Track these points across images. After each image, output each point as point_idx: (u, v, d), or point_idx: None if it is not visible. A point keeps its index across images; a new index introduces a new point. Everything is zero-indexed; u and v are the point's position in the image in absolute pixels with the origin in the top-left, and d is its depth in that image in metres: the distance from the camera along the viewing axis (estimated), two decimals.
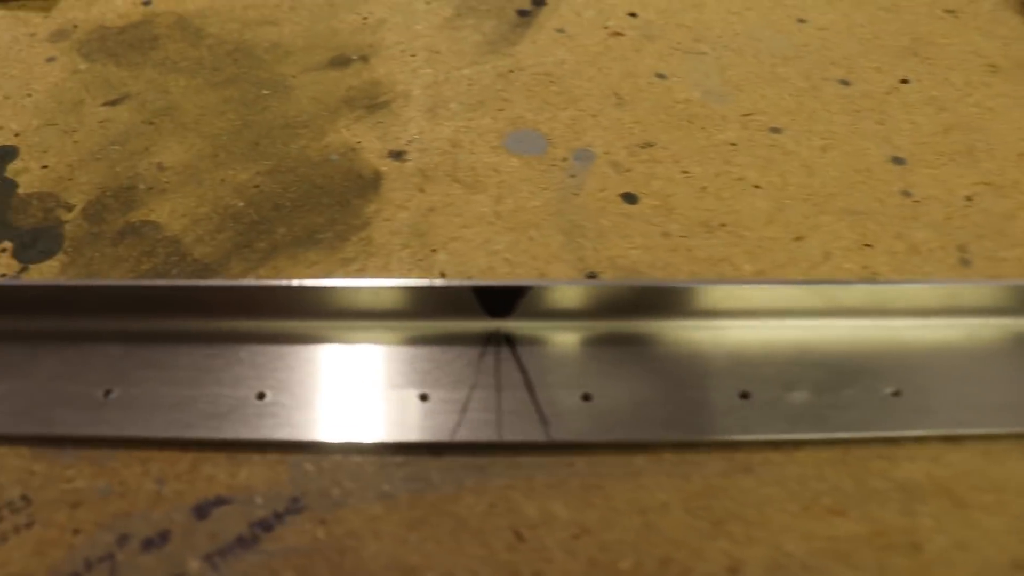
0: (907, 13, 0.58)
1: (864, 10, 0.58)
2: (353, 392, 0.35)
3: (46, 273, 0.40)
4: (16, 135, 0.48)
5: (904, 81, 0.53)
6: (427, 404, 0.35)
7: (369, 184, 0.45)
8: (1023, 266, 0.41)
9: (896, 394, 0.35)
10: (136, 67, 0.53)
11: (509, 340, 0.36)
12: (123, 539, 0.31)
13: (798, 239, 0.42)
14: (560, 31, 0.56)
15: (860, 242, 0.42)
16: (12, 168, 0.46)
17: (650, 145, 0.47)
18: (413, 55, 0.54)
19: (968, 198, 0.45)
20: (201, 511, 0.32)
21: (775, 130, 0.49)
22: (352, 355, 0.36)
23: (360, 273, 0.40)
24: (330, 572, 0.30)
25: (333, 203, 0.44)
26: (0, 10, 0.57)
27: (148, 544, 0.31)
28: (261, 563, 0.30)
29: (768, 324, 0.38)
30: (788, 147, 0.48)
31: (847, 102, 0.51)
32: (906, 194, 0.45)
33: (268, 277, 0.40)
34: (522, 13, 0.57)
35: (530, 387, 0.35)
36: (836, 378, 0.36)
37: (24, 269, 0.41)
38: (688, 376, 0.36)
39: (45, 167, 0.46)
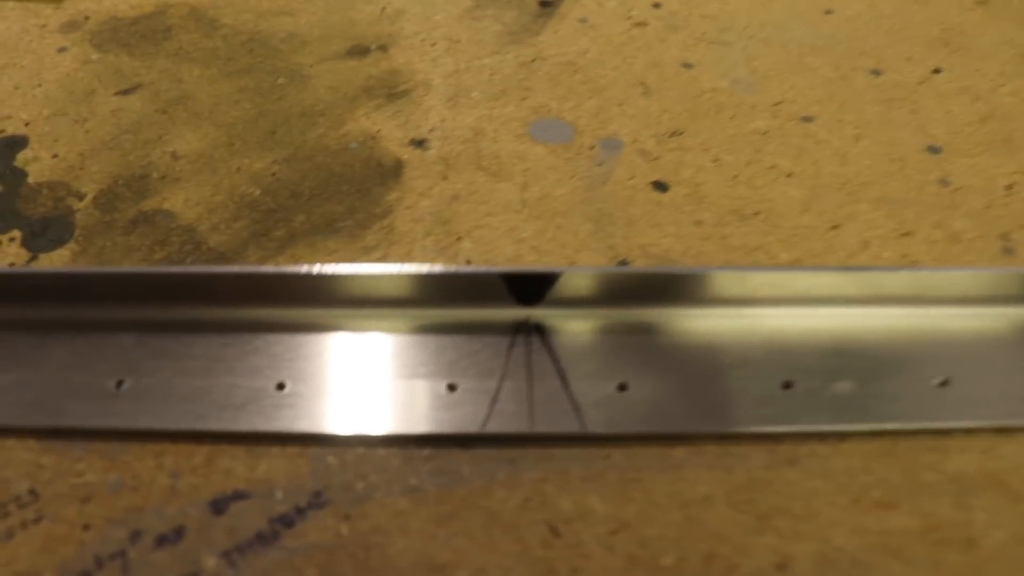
0: (936, 3, 0.57)
1: (891, 1, 0.57)
2: (376, 382, 0.34)
3: (56, 262, 0.39)
4: (26, 124, 0.46)
5: (936, 71, 0.51)
6: (455, 395, 0.33)
7: (390, 172, 0.44)
8: None
9: (943, 384, 0.34)
10: (149, 57, 0.51)
11: (539, 329, 0.35)
12: (135, 535, 0.30)
13: (834, 227, 0.41)
14: (582, 21, 0.55)
15: (898, 231, 0.41)
16: (22, 157, 0.44)
17: (679, 134, 0.46)
18: (433, 44, 0.52)
19: (1008, 187, 0.43)
20: (218, 506, 0.30)
21: (806, 119, 0.47)
22: (374, 344, 0.35)
23: (382, 260, 0.39)
24: (355, 569, 0.29)
25: (353, 191, 0.43)
26: (11, 1, 0.56)
27: (162, 540, 0.29)
28: (282, 560, 0.29)
29: (807, 312, 0.36)
30: (820, 136, 0.46)
31: (879, 92, 0.50)
32: (943, 183, 0.43)
33: (286, 265, 0.39)
34: (544, 3, 0.56)
35: (563, 377, 0.33)
36: (880, 367, 0.34)
37: (34, 258, 0.39)
38: (726, 365, 0.34)
39: (55, 156, 0.45)
